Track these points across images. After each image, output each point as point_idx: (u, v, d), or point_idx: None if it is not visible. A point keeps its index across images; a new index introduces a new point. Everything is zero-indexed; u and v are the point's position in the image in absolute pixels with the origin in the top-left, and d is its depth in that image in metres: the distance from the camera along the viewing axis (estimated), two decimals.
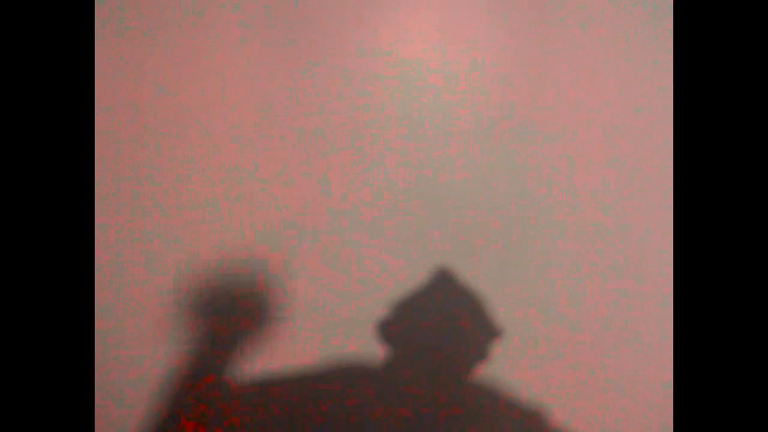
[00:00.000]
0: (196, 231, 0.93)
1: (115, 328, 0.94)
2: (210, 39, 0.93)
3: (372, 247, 0.92)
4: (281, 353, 0.93)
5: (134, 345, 0.94)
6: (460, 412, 0.92)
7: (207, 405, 0.93)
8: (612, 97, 0.91)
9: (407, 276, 0.92)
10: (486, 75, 0.91)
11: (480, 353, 0.92)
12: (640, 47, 0.91)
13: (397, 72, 0.92)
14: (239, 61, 0.92)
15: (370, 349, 0.92)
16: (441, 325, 0.92)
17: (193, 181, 0.93)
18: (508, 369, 0.92)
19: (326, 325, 0.93)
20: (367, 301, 0.93)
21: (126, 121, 0.93)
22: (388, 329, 0.93)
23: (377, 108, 0.92)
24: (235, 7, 0.92)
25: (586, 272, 0.92)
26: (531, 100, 0.91)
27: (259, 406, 0.93)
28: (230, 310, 0.93)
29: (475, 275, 0.92)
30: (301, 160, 0.93)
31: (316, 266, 0.93)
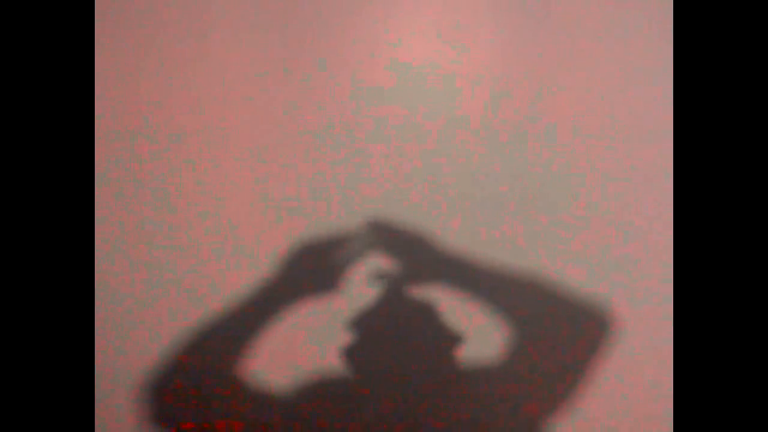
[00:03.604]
0: (196, 231, 0.93)
1: (115, 328, 0.94)
2: (210, 40, 0.93)
3: (373, 250, 0.93)
4: (279, 354, 0.93)
5: (134, 345, 0.94)
6: (460, 407, 0.92)
7: (206, 407, 0.93)
8: (613, 97, 0.91)
9: (408, 279, 0.92)
10: (487, 76, 0.91)
11: (479, 351, 0.92)
12: (640, 47, 0.91)
13: (399, 74, 0.92)
14: (239, 63, 0.93)
15: (369, 350, 0.93)
16: (440, 326, 0.93)
17: (193, 181, 0.93)
18: (507, 369, 0.92)
19: (325, 325, 0.93)
20: (367, 303, 0.93)
21: (126, 121, 0.93)
22: (386, 331, 0.93)
23: (378, 109, 0.92)
24: (236, 9, 0.92)
25: (586, 273, 0.92)
26: (533, 101, 0.91)
27: (259, 410, 0.93)
28: (229, 310, 0.94)
29: (474, 277, 0.92)
30: (302, 162, 0.93)
31: (316, 267, 0.93)
